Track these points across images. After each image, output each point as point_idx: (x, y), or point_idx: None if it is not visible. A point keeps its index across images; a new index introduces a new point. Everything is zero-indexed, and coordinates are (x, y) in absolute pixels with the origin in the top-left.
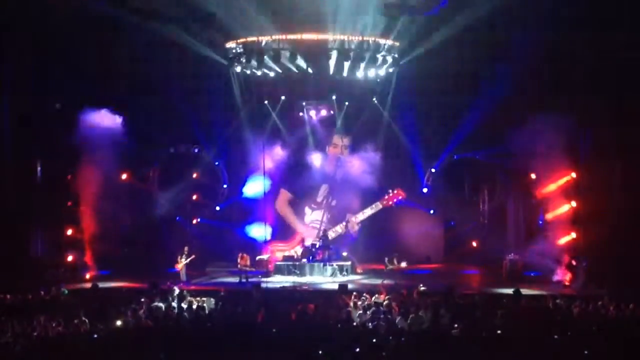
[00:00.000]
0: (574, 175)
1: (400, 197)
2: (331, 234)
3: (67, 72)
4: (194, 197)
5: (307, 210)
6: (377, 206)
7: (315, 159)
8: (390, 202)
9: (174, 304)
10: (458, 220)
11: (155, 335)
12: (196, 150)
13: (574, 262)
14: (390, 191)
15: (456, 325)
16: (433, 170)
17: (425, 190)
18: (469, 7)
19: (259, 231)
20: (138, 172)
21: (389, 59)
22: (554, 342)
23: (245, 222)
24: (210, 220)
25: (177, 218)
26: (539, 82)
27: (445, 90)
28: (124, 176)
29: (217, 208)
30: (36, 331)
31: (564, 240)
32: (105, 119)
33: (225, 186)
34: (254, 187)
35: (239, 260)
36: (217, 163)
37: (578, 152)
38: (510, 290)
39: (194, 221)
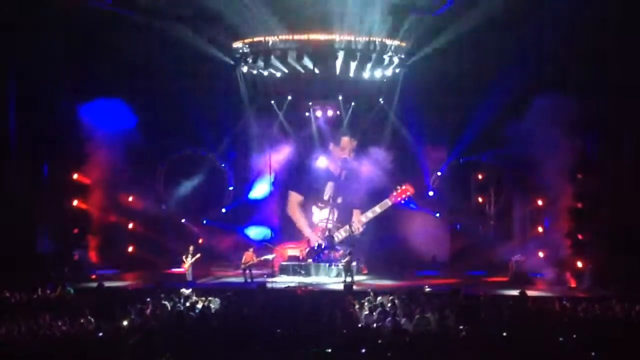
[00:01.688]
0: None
1: (409, 193)
2: (338, 236)
3: (72, 71)
4: (200, 198)
5: (314, 209)
6: (387, 203)
7: (322, 159)
8: (399, 198)
9: (180, 304)
10: (464, 222)
11: (160, 335)
12: (203, 153)
13: (580, 264)
14: (399, 187)
15: (461, 327)
16: (439, 173)
17: (431, 193)
18: (475, 7)
19: (259, 232)
20: (145, 172)
21: (396, 60)
22: (560, 344)
23: (250, 223)
24: (216, 222)
25: (183, 220)
26: (547, 82)
27: (451, 91)
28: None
29: (223, 210)
30: (42, 330)
31: (570, 241)
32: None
33: (231, 188)
34: (261, 189)
35: (243, 259)
36: (223, 165)
37: (585, 154)
38: (516, 292)
39: (201, 222)
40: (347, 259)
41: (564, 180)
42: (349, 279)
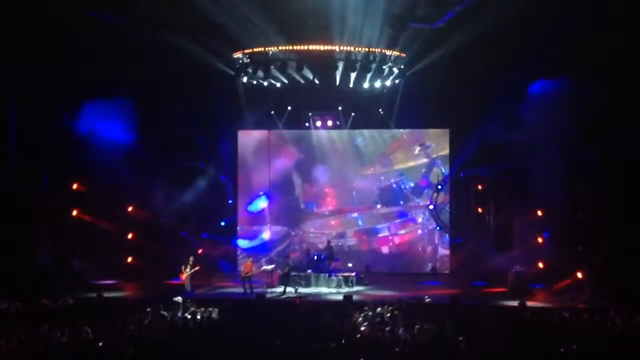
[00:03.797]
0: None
1: None
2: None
3: (73, 81)
4: (199, 211)
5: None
6: None
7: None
8: None
9: (179, 314)
10: (465, 236)
11: (159, 345)
12: (202, 165)
13: (579, 275)
14: None
15: (461, 338)
16: (439, 187)
17: (431, 207)
18: (475, 18)
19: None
20: (145, 183)
21: (395, 70)
22: (560, 355)
23: (249, 236)
24: (215, 235)
25: (182, 233)
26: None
27: (451, 103)
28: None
29: (222, 223)
30: (41, 340)
31: (569, 252)
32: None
33: (230, 201)
34: (260, 202)
35: (242, 269)
36: (222, 178)
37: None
38: (515, 303)
39: (200, 235)
40: (286, 269)
41: (563, 191)
42: (291, 289)
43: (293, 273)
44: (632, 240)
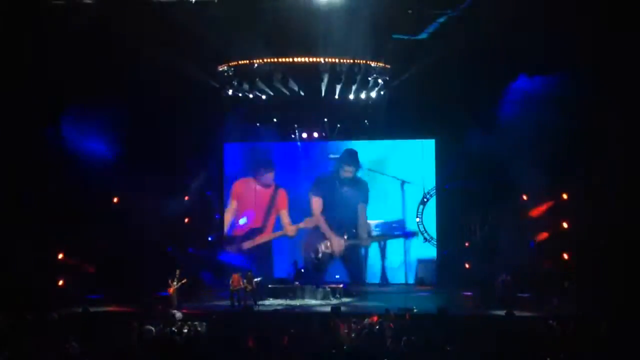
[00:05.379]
0: (565, 196)
1: None
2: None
3: (54, 95)
4: (186, 221)
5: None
6: None
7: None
8: None
9: (166, 328)
10: (451, 246)
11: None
12: (188, 180)
13: (565, 283)
14: None
15: (449, 348)
16: (425, 199)
17: (417, 219)
18: (460, 30)
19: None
20: (129, 197)
21: (380, 82)
22: None
23: (236, 250)
24: (202, 251)
25: (168, 249)
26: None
27: (436, 114)
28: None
29: (209, 238)
30: (26, 357)
31: (555, 261)
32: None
33: (217, 216)
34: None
35: (230, 282)
36: (209, 192)
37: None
38: (502, 312)
39: (187, 251)
40: (255, 282)
41: (549, 199)
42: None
43: (281, 285)
44: (618, 247)
